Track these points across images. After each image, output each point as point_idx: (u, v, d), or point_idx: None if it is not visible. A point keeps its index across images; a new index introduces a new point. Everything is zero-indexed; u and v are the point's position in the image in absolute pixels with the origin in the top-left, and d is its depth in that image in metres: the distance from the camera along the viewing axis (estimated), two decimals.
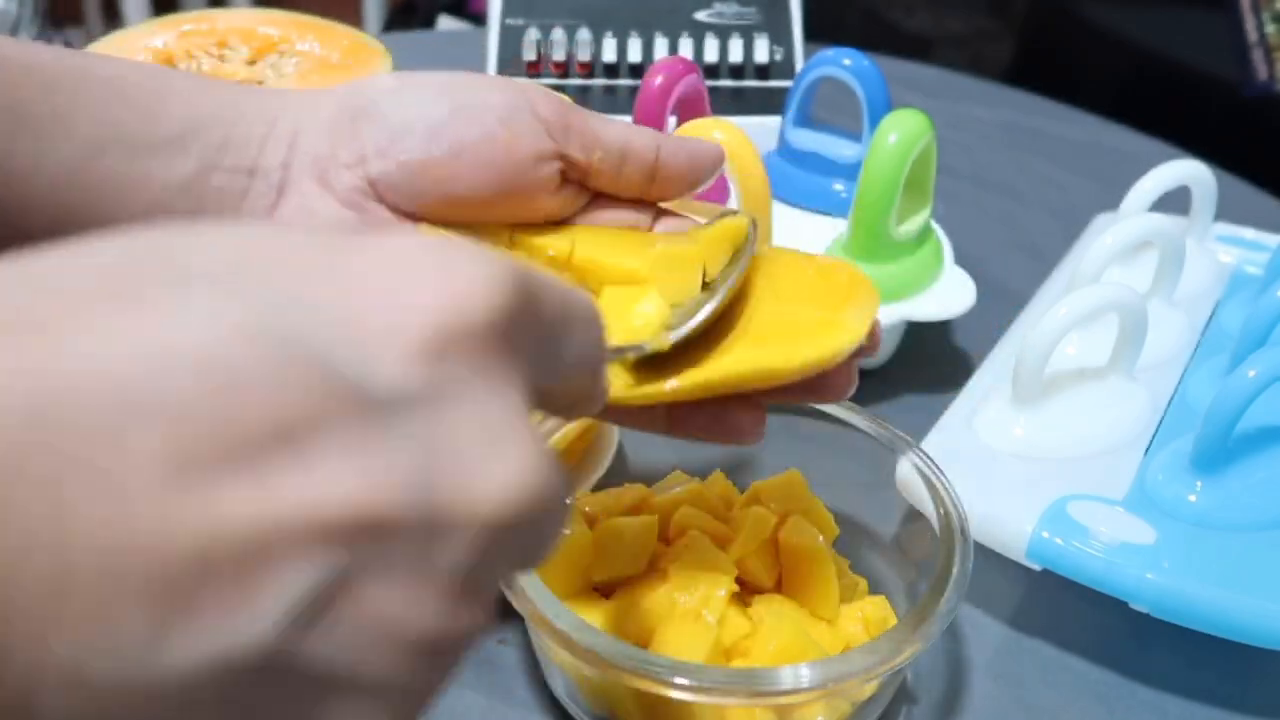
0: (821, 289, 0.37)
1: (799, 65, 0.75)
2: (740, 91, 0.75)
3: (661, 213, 0.39)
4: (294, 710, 0.17)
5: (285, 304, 0.17)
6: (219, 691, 0.16)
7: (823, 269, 0.38)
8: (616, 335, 0.35)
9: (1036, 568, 0.43)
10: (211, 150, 0.34)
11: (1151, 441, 0.48)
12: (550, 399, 0.24)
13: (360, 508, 0.17)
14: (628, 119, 0.61)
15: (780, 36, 0.76)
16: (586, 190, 0.38)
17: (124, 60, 0.35)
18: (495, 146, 0.34)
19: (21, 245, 0.31)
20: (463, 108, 0.34)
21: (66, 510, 0.15)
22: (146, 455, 0.15)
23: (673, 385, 0.34)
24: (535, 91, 0.36)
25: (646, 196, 0.38)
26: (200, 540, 0.16)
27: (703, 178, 0.38)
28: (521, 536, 0.19)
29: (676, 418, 0.36)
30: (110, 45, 0.70)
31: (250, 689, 0.16)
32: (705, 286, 0.37)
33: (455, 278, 0.19)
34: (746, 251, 0.37)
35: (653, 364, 0.35)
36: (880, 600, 0.43)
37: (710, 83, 0.73)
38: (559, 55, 0.75)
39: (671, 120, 0.61)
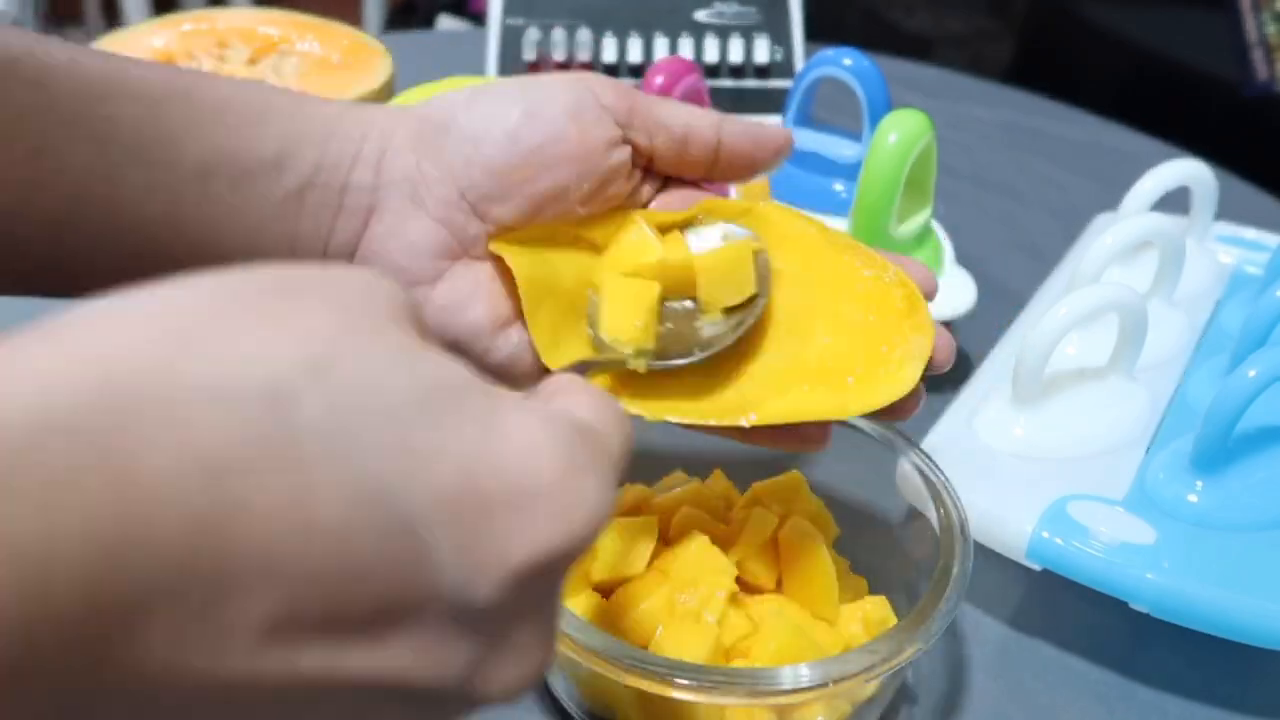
0: (878, 309, 0.38)
1: (799, 65, 0.75)
2: (740, 91, 0.75)
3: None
4: None
5: (423, 487, 0.20)
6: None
7: (878, 285, 0.38)
8: (612, 328, 0.36)
9: (1036, 568, 0.43)
10: (307, 170, 0.35)
11: (1151, 441, 0.48)
12: None
13: (406, 684, 0.20)
14: None
15: (780, 36, 0.76)
16: (656, 176, 0.39)
17: (224, 79, 0.35)
18: (569, 143, 0.35)
19: (131, 266, 0.33)
20: (533, 110, 0.35)
21: (171, 648, 0.17)
22: (256, 613, 0.18)
23: (747, 420, 0.36)
24: (596, 82, 0.37)
25: (710, 179, 0.39)
26: (264, 690, 0.18)
27: (768, 160, 0.38)
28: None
29: (750, 432, 0.37)
30: (110, 45, 0.70)
31: None
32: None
33: (573, 515, 0.21)
34: (758, 300, 0.37)
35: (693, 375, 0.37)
36: (880, 600, 0.43)
37: (710, 83, 0.73)
38: (559, 55, 0.75)
39: None
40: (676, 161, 0.38)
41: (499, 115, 0.35)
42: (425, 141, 0.36)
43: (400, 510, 0.19)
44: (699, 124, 0.37)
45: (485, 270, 0.36)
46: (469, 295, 0.36)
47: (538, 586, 0.21)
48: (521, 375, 0.36)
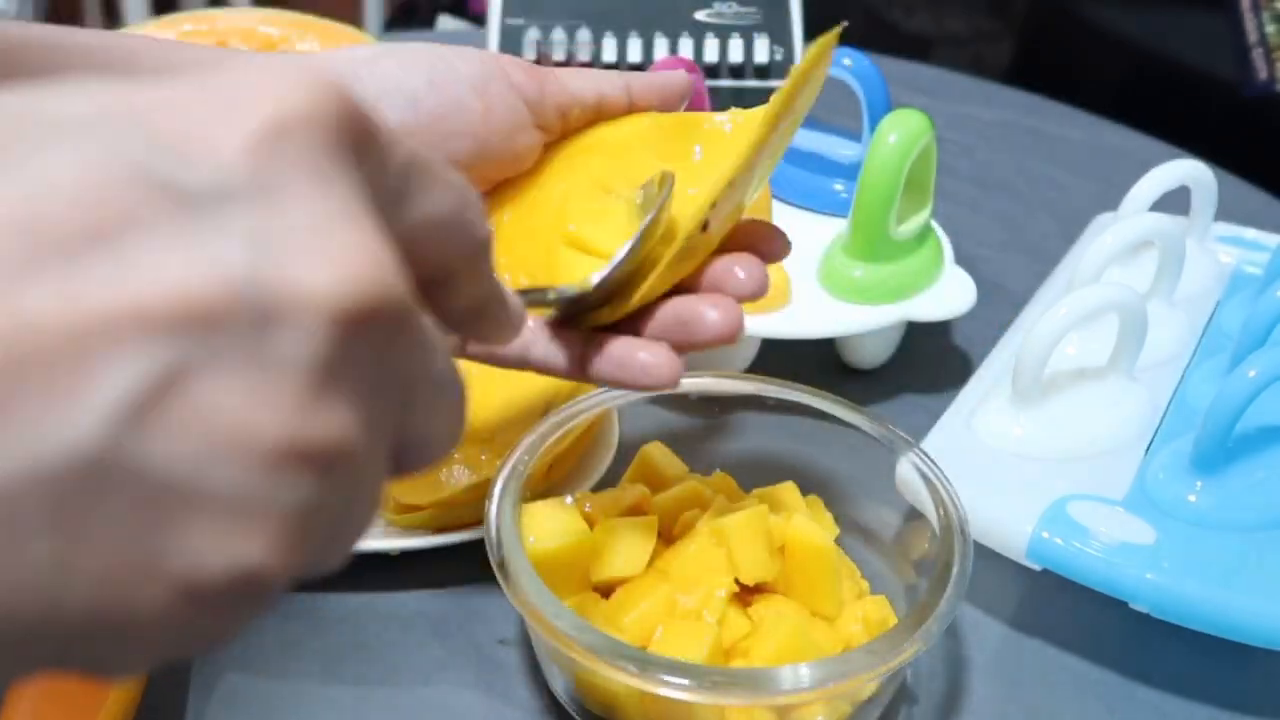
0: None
1: None
2: (740, 91, 0.75)
3: None
4: (138, 526, 0.16)
5: (103, 121, 0.17)
6: (45, 501, 0.15)
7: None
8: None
9: (1036, 568, 0.43)
10: None
11: (1151, 441, 0.48)
12: (422, 262, 0.23)
13: (182, 297, 0.16)
14: None
15: (780, 36, 0.76)
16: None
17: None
18: (472, 116, 0.35)
19: None
20: (438, 79, 0.35)
21: None
22: None
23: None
24: (508, 60, 0.37)
25: None
26: (5, 343, 0.15)
27: (676, 106, 0.40)
28: (379, 333, 0.19)
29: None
30: None
31: (81, 498, 0.16)
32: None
33: (279, 85, 0.19)
34: (661, 198, 0.36)
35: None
36: (880, 600, 0.43)
37: (710, 83, 0.73)
38: (559, 55, 0.75)
39: None
40: (590, 126, 0.39)
41: (402, 78, 0.35)
42: None
43: None
44: (609, 89, 0.38)
45: None
46: None
47: (280, 160, 0.18)
48: None
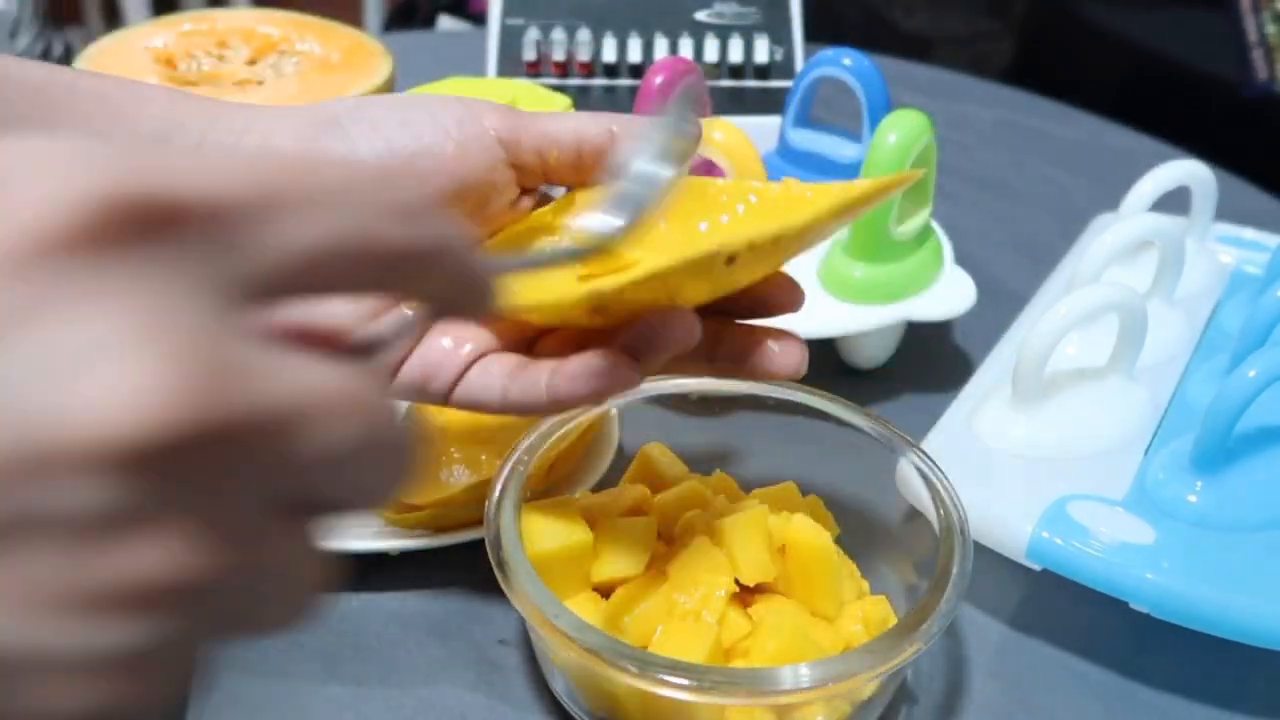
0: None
1: (799, 65, 0.75)
2: (740, 91, 0.75)
3: None
4: None
5: None
6: None
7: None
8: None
9: (1036, 568, 0.43)
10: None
11: (1151, 441, 0.48)
12: (338, 282, 0.20)
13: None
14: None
15: (780, 36, 0.76)
16: (532, 191, 0.40)
17: (108, 75, 0.38)
18: (446, 155, 0.37)
19: None
20: (413, 121, 0.37)
21: None
22: None
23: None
24: (482, 105, 0.39)
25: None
26: None
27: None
28: (200, 454, 0.17)
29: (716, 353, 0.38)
30: (110, 45, 0.70)
31: None
32: None
33: (38, 186, 0.17)
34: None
35: None
36: (880, 600, 0.43)
37: (710, 83, 0.73)
38: (559, 55, 0.75)
39: None
40: (574, 171, 0.39)
41: (379, 122, 0.37)
42: (305, 139, 0.37)
43: None
44: (590, 130, 0.38)
45: None
46: None
47: (22, 285, 0.16)
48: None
